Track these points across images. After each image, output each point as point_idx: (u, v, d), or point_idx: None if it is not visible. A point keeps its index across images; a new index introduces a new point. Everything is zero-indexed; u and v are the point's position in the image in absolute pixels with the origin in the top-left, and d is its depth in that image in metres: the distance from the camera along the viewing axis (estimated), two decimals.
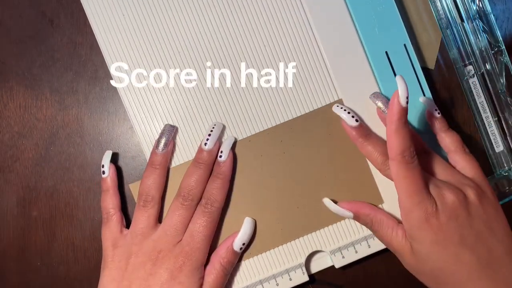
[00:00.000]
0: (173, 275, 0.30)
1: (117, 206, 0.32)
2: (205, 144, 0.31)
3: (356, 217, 0.31)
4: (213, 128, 0.31)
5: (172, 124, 0.32)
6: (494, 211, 0.29)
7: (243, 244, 0.31)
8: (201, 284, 0.30)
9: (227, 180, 0.32)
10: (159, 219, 0.32)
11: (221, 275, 0.31)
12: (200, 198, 0.31)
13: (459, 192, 0.28)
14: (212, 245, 0.32)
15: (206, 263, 0.31)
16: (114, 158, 0.35)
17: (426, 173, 0.29)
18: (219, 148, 0.32)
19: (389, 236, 0.30)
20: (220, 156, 0.31)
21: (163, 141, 0.31)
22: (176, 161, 0.32)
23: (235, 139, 0.32)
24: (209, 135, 0.31)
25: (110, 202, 0.32)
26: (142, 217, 0.31)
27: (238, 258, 0.32)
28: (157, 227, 0.31)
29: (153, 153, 0.32)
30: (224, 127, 0.32)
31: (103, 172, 0.32)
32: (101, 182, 0.32)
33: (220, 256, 0.31)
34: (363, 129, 0.31)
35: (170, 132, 0.32)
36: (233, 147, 0.32)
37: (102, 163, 0.32)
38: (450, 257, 0.27)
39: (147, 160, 0.32)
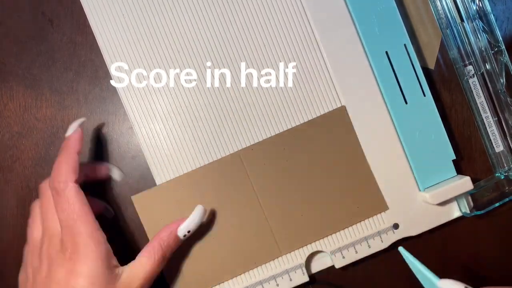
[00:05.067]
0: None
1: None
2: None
3: None
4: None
5: (173, 123, 0.32)
6: None
7: (188, 231, 0.30)
8: (110, 257, 0.28)
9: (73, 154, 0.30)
10: None
11: (157, 258, 0.29)
12: None
13: None
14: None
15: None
16: (115, 158, 0.35)
17: None
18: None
19: None
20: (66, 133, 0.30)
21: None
22: (178, 157, 0.32)
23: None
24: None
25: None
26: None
27: (179, 245, 0.30)
28: None
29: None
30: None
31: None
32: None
33: (161, 238, 0.29)
34: None
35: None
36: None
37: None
38: None
39: (147, 160, 0.32)
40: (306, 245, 0.33)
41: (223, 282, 0.32)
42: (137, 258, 0.29)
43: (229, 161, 0.32)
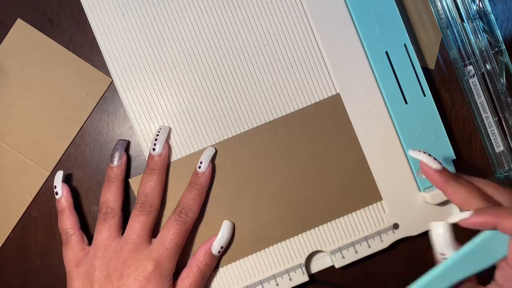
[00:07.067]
0: (141, 285, 0.29)
1: (75, 225, 0.32)
2: (153, 149, 0.31)
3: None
4: (159, 132, 0.32)
5: (173, 123, 0.32)
6: None
7: (221, 247, 0.31)
8: None
9: (204, 191, 0.32)
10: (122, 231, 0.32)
11: (198, 279, 0.31)
12: (159, 205, 0.31)
13: None
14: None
15: (180, 270, 0.31)
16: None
17: None
18: (168, 150, 0.32)
19: None
20: (199, 167, 0.31)
21: (116, 155, 0.32)
22: (179, 154, 0.32)
23: (215, 150, 0.32)
24: (156, 139, 0.31)
25: (67, 223, 0.32)
26: (103, 229, 0.31)
27: (216, 261, 0.32)
28: (119, 238, 0.31)
29: (109, 168, 0.32)
30: (170, 130, 0.32)
31: (56, 193, 0.32)
32: (56, 203, 0.32)
33: (198, 260, 0.31)
34: (447, 172, 0.28)
35: (122, 146, 0.33)
36: (213, 159, 0.32)
37: (54, 183, 0.32)
38: None
39: (147, 160, 0.32)
40: (301, 233, 0.33)
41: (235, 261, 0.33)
42: (180, 282, 0.31)
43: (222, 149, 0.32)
